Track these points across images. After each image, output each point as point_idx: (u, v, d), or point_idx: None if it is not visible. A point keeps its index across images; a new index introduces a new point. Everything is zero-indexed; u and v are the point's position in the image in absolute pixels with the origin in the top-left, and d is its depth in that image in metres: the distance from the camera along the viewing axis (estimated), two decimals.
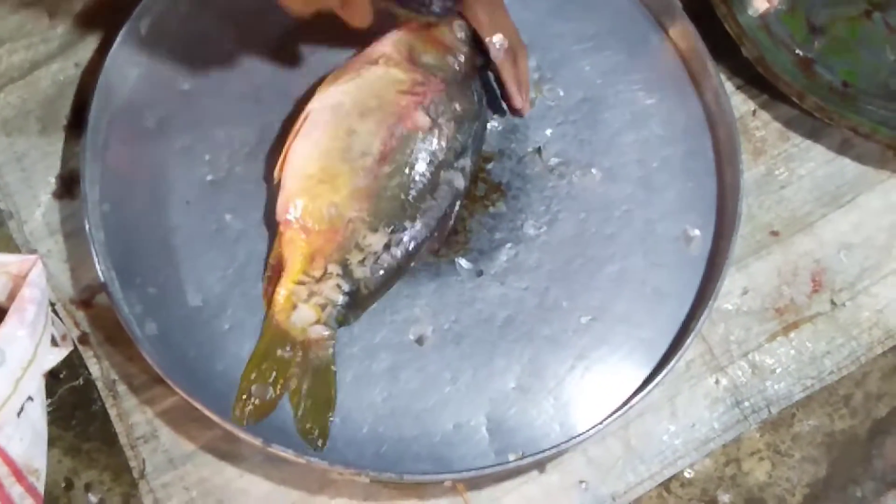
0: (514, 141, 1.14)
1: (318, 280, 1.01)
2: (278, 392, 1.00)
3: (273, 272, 1.03)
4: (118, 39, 1.10)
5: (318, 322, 1.01)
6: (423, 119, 1.05)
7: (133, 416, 1.04)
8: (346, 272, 1.02)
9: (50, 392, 1.03)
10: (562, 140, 1.14)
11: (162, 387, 1.02)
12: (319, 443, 1.00)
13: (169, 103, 1.12)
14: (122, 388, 1.04)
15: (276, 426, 1.01)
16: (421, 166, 1.05)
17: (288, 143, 1.04)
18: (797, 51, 1.19)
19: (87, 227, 1.04)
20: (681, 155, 1.15)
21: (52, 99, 1.14)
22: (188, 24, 1.14)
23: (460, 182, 1.07)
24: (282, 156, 1.04)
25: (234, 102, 1.12)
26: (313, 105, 1.05)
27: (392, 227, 1.03)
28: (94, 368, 1.05)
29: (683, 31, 1.17)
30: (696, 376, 1.09)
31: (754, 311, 1.11)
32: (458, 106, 1.07)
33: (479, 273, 1.08)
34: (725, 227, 1.10)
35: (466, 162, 1.07)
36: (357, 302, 1.03)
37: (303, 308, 1.01)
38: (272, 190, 1.07)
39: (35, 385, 0.97)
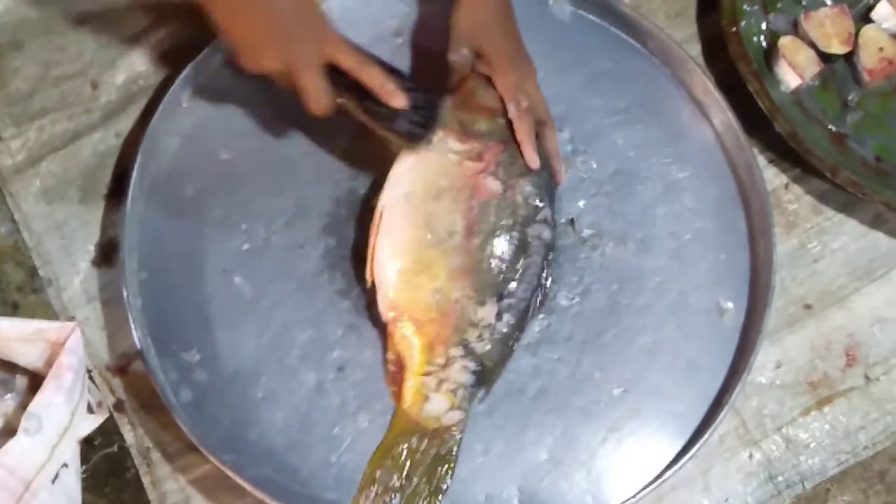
0: None
1: (444, 367, 1.02)
2: (403, 481, 1.00)
3: (395, 371, 1.04)
4: (159, 110, 1.13)
5: (451, 408, 1.02)
6: (494, 184, 1.06)
7: (166, 484, 1.04)
8: (468, 351, 1.03)
9: (84, 459, 1.04)
10: (595, 212, 1.15)
11: (195, 454, 1.03)
12: None
13: (207, 173, 1.13)
14: (155, 455, 1.05)
15: (308, 496, 1.01)
16: (507, 229, 1.06)
17: (371, 243, 1.04)
18: (830, 126, 1.20)
19: (124, 294, 1.05)
20: (713, 228, 1.15)
21: (93, 168, 1.16)
22: (228, 95, 1.16)
23: (547, 234, 1.07)
24: (369, 258, 1.04)
25: (271, 172, 1.14)
26: (384, 201, 1.05)
27: (498, 294, 1.04)
28: (129, 436, 1.05)
29: (716, 106, 1.18)
30: (730, 450, 1.08)
31: (788, 385, 1.11)
32: (521, 161, 1.08)
33: None
34: (759, 301, 1.10)
35: (547, 212, 1.08)
36: (485, 377, 1.04)
37: (435, 398, 1.02)
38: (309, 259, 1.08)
39: (70, 452, 0.98)
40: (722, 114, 1.18)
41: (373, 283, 1.04)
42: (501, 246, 1.05)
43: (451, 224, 1.04)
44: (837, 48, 1.21)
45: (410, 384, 1.02)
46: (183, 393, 1.04)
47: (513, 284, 1.05)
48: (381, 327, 1.06)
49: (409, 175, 1.06)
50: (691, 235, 1.15)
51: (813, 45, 1.21)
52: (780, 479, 1.07)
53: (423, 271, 1.03)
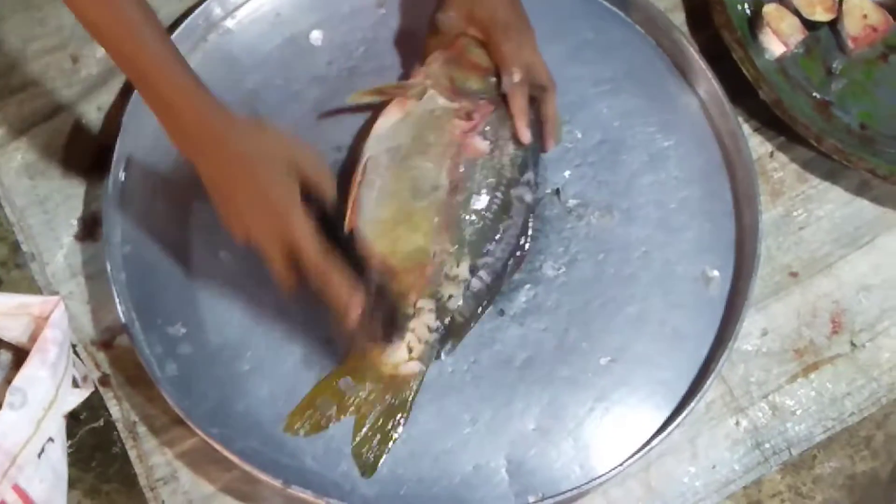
0: None
1: (411, 317, 1.02)
2: (339, 412, 1.01)
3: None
4: None
5: (411, 359, 1.02)
6: (481, 143, 1.07)
7: (153, 458, 1.04)
8: (439, 305, 1.03)
9: (70, 433, 1.03)
10: (580, 182, 1.15)
11: (182, 428, 1.02)
12: (368, 471, 1.01)
13: None
14: (142, 429, 1.04)
15: (296, 468, 1.01)
16: (491, 189, 1.06)
17: (352, 193, 1.04)
18: (814, 94, 1.20)
19: (108, 268, 1.05)
20: (699, 196, 1.15)
21: (75, 142, 1.15)
22: (211, 67, 1.15)
23: (529, 196, 1.08)
24: (349, 206, 1.04)
25: None
26: (369, 152, 1.06)
27: (477, 252, 1.04)
28: (115, 410, 1.05)
29: (700, 74, 1.18)
30: (717, 418, 1.08)
31: (774, 353, 1.11)
32: (511, 122, 1.08)
33: (501, 313, 1.08)
34: (744, 269, 1.10)
35: (531, 175, 1.09)
36: (453, 331, 1.04)
37: (395, 343, 1.02)
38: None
39: (56, 426, 0.98)
40: (707, 82, 1.18)
41: (351, 231, 1.04)
42: (484, 204, 1.06)
43: (435, 179, 1.05)
44: (821, 15, 1.22)
45: None
46: (168, 367, 1.04)
47: (492, 244, 1.06)
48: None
49: (395, 128, 1.06)
50: (677, 204, 1.15)
51: (797, 13, 1.21)
52: (766, 445, 1.08)
53: (404, 222, 1.04)
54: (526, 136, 1.08)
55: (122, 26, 0.93)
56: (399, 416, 1.02)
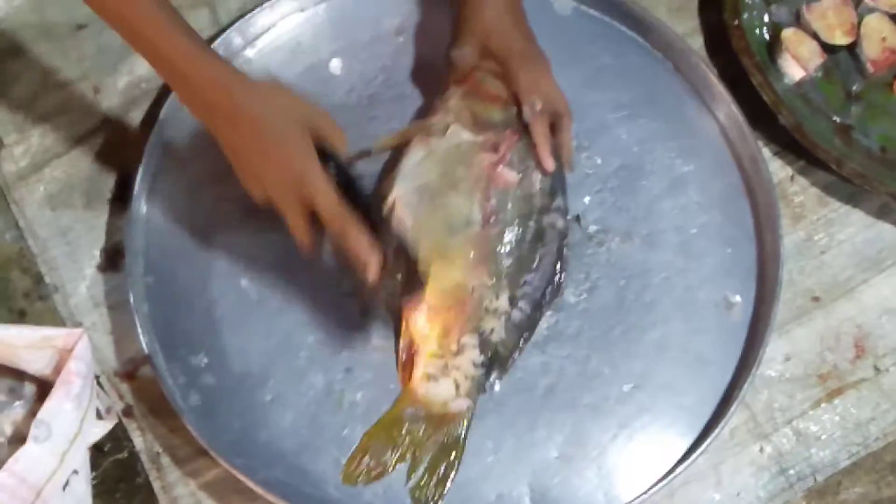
0: None
1: (455, 353, 1.02)
2: (396, 458, 1.00)
3: (407, 357, 1.03)
4: (162, 114, 1.13)
5: (458, 396, 1.02)
6: (510, 174, 1.06)
7: (177, 489, 1.04)
8: (482, 339, 1.03)
9: (94, 465, 1.03)
10: (600, 207, 1.15)
11: (205, 458, 1.03)
12: None
13: (212, 176, 1.12)
14: (165, 460, 1.05)
15: (319, 497, 1.01)
16: (524, 218, 1.06)
17: (384, 229, 1.03)
18: (834, 117, 1.19)
19: (131, 299, 1.05)
20: (719, 221, 1.15)
21: (97, 173, 1.16)
22: None
23: (561, 222, 1.08)
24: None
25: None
26: (397, 193, 1.05)
27: (515, 283, 1.04)
28: (138, 441, 1.05)
29: (720, 99, 1.18)
30: (741, 444, 1.08)
31: (797, 378, 1.11)
32: (534, 151, 1.08)
33: None
34: (766, 293, 1.10)
35: (561, 202, 1.09)
36: (498, 364, 1.04)
37: (443, 382, 1.02)
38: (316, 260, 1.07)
39: (80, 458, 0.98)
40: (726, 107, 1.17)
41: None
42: (518, 235, 1.05)
43: (468, 213, 1.04)
44: (841, 39, 1.21)
45: (420, 364, 1.02)
46: (192, 397, 1.04)
47: (529, 274, 1.05)
48: (393, 317, 1.05)
49: (422, 166, 1.06)
50: (697, 229, 1.14)
51: (815, 37, 1.21)
52: (791, 472, 1.07)
53: (441, 259, 1.03)
54: (550, 164, 1.08)
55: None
56: (453, 454, 1.02)
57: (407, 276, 1.01)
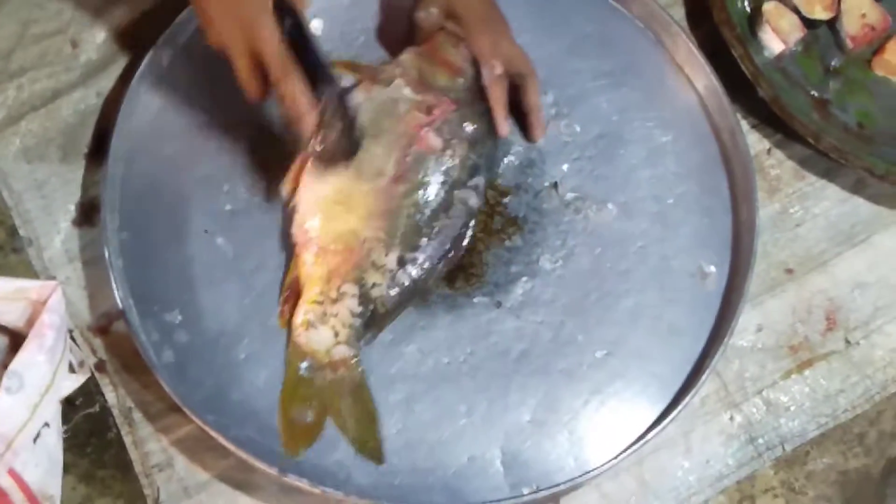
0: (530, 175, 1.15)
1: (335, 301, 1.02)
2: (318, 414, 1.00)
3: (290, 294, 1.04)
4: (140, 69, 1.12)
5: (338, 343, 1.02)
6: (435, 140, 1.06)
7: (148, 444, 1.04)
8: (363, 292, 1.03)
9: (66, 419, 1.03)
10: (578, 175, 1.15)
11: (178, 415, 1.02)
12: (377, 457, 1.01)
13: (189, 133, 1.12)
14: (137, 415, 1.04)
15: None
16: (435, 186, 1.06)
17: (298, 163, 1.05)
18: (812, 92, 1.20)
19: (106, 254, 1.05)
20: (696, 192, 1.16)
21: (74, 127, 1.15)
22: (210, 55, 1.14)
23: (475, 201, 1.08)
24: (292, 175, 1.05)
25: (254, 133, 1.13)
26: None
27: (408, 245, 1.04)
28: (111, 396, 1.05)
29: (699, 70, 1.18)
30: (711, 412, 1.09)
31: (769, 349, 1.12)
32: (469, 126, 1.08)
33: (497, 305, 1.08)
34: (741, 265, 1.11)
35: (480, 181, 1.09)
36: (374, 321, 1.04)
37: (321, 329, 1.02)
38: (288, 215, 1.07)
39: (52, 411, 0.97)
40: (705, 78, 1.18)
41: (291, 202, 1.05)
42: (425, 200, 1.05)
43: (382, 165, 1.05)
44: (821, 14, 1.22)
45: (300, 313, 1.03)
46: (165, 353, 1.04)
47: (424, 240, 1.05)
48: (289, 250, 1.06)
49: (359, 106, 1.06)
50: (674, 199, 1.15)
51: (796, 10, 1.22)
52: (760, 441, 1.08)
53: (342, 202, 1.04)
54: (504, 129, 1.09)
55: None
56: (364, 395, 1.02)
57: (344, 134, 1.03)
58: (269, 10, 0.96)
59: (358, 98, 1.07)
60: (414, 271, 1.05)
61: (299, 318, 1.03)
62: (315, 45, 1.01)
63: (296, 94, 0.98)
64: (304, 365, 1.02)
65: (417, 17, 1.11)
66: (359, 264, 1.03)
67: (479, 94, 1.10)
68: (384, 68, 1.11)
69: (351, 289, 1.03)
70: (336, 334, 1.02)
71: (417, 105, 1.07)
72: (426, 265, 1.05)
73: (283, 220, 1.09)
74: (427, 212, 1.05)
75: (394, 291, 1.04)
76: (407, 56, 1.10)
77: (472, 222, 1.08)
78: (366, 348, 1.04)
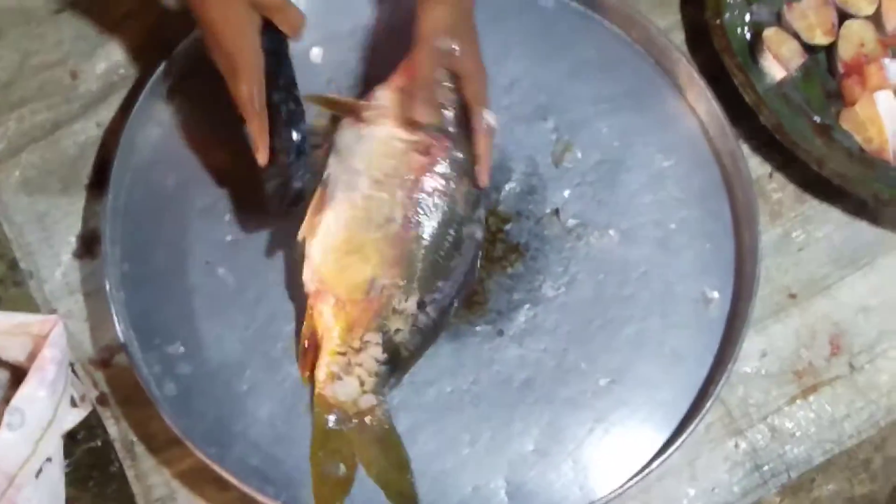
0: (531, 202, 1.15)
1: (358, 351, 1.02)
2: (349, 466, 1.00)
3: (308, 346, 1.03)
4: (140, 100, 1.12)
5: (364, 392, 1.01)
6: (438, 181, 1.05)
7: (151, 478, 1.03)
8: (386, 339, 1.02)
9: (68, 453, 1.02)
10: (580, 201, 1.15)
11: (180, 448, 1.02)
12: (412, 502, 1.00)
13: (190, 163, 1.12)
14: (139, 448, 1.04)
15: (295, 488, 1.01)
16: (444, 226, 1.05)
17: (312, 208, 1.04)
18: (814, 117, 1.19)
19: (107, 286, 1.04)
20: (698, 217, 1.15)
21: (74, 159, 1.15)
22: (210, 84, 1.14)
23: (479, 233, 1.08)
24: (305, 223, 1.03)
25: (254, 162, 1.12)
26: (331, 168, 1.05)
27: (426, 288, 1.04)
28: (113, 429, 1.05)
29: (700, 95, 1.18)
30: (716, 440, 1.08)
31: (773, 374, 1.11)
32: (463, 157, 1.07)
33: (500, 333, 1.08)
34: (744, 290, 1.10)
35: (482, 212, 1.08)
36: (399, 365, 1.03)
37: (347, 380, 1.01)
38: (292, 252, 1.07)
39: (54, 446, 0.97)
40: (706, 103, 1.18)
41: (302, 249, 1.04)
42: (437, 241, 1.05)
43: (390, 211, 1.04)
44: (821, 39, 1.22)
45: (324, 362, 1.02)
46: (167, 386, 1.04)
47: (441, 281, 1.05)
48: (300, 301, 1.06)
49: (353, 149, 1.06)
50: (676, 225, 1.15)
51: (796, 36, 1.21)
52: (765, 468, 1.08)
53: (356, 252, 1.03)
54: (486, 180, 1.08)
55: None
56: (393, 443, 1.02)
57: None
58: (249, 43, 1.00)
59: (348, 137, 1.06)
60: (434, 312, 1.04)
61: (323, 371, 1.02)
62: (292, 85, 1.04)
63: (256, 129, 1.01)
64: (331, 418, 1.01)
65: (436, 47, 1.06)
66: (379, 312, 1.02)
67: (463, 119, 1.08)
68: (368, 105, 1.08)
69: (374, 337, 1.02)
70: (362, 384, 1.02)
71: (414, 146, 1.06)
72: (444, 303, 1.05)
73: (285, 263, 1.09)
74: (441, 253, 1.05)
75: (416, 334, 1.03)
76: (387, 94, 1.08)
77: (480, 253, 1.08)
78: None
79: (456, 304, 1.06)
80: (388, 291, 1.02)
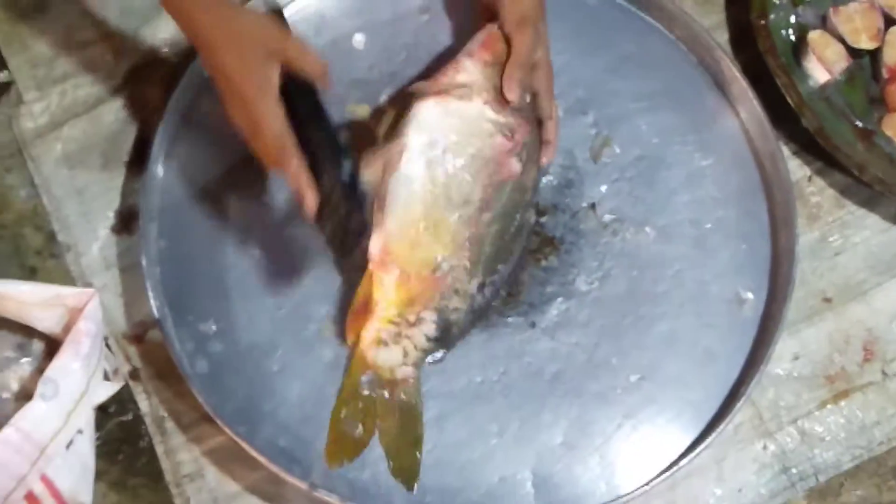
0: (568, 196, 1.14)
1: (412, 325, 1.01)
2: (367, 430, 0.99)
3: (360, 309, 1.01)
4: (184, 79, 1.12)
5: (405, 364, 1.01)
6: (516, 166, 1.05)
7: (180, 454, 1.04)
8: (442, 317, 1.02)
9: (99, 426, 1.03)
10: (616, 197, 1.14)
11: (210, 425, 1.02)
12: (410, 483, 1.00)
13: (230, 144, 1.11)
14: (169, 424, 1.05)
15: (322, 470, 1.00)
16: (515, 211, 1.05)
17: (385, 175, 1.02)
18: (857, 122, 1.19)
19: (143, 262, 1.05)
20: (735, 217, 1.15)
21: (115, 134, 1.15)
22: None
23: (533, 218, 1.08)
24: (380, 191, 1.02)
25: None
26: (410, 138, 1.02)
27: (489, 271, 1.04)
28: (144, 404, 1.05)
29: (742, 95, 1.17)
30: (745, 440, 1.08)
31: (805, 378, 1.11)
32: (536, 146, 1.08)
33: (532, 325, 1.08)
34: (779, 292, 1.10)
35: (535, 197, 1.09)
36: (446, 343, 1.03)
37: (393, 349, 1.01)
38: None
39: (85, 418, 0.98)
40: (748, 103, 1.17)
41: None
42: (506, 226, 1.05)
43: (469, 192, 1.03)
44: (866, 43, 1.21)
45: (373, 327, 1.01)
46: (199, 363, 1.04)
47: (503, 265, 1.05)
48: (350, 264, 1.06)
49: (440, 122, 1.04)
50: (713, 224, 1.14)
51: (841, 40, 1.21)
52: (793, 471, 1.07)
53: (430, 229, 1.02)
54: (546, 161, 1.10)
55: None
56: (415, 419, 1.01)
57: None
58: (270, 95, 0.96)
59: (433, 110, 1.04)
60: (489, 293, 1.04)
61: (371, 334, 1.01)
62: (328, 125, 1.03)
63: (297, 179, 0.97)
64: (364, 379, 1.00)
65: (515, 37, 1.06)
66: (442, 292, 1.02)
67: (532, 110, 1.09)
68: (455, 79, 1.06)
69: (430, 315, 1.02)
70: (406, 355, 1.01)
71: (501, 128, 1.05)
72: (498, 286, 1.05)
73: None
74: (506, 237, 1.05)
75: (469, 314, 1.04)
76: (477, 67, 1.06)
77: (528, 240, 1.08)
78: None
79: (508, 286, 1.06)
80: (454, 273, 1.02)
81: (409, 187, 1.02)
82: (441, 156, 1.03)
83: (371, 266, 1.01)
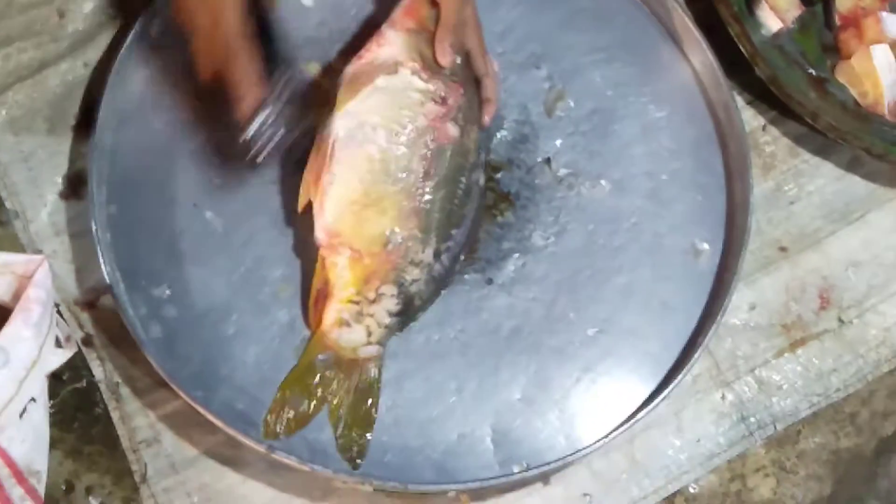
0: (523, 151, 1.14)
1: (372, 302, 1.01)
2: (314, 407, 0.99)
3: (319, 296, 1.02)
4: (129, 40, 1.10)
5: (369, 343, 1.01)
6: (454, 130, 1.05)
7: (136, 420, 1.03)
8: (402, 290, 1.02)
9: (52, 394, 1.02)
10: (571, 151, 1.14)
11: (165, 390, 1.01)
12: (358, 461, 1.00)
13: (178, 105, 1.11)
14: (125, 391, 1.04)
15: None
16: (459, 175, 1.05)
17: (318, 166, 1.02)
18: (810, 70, 1.19)
19: (93, 228, 1.03)
20: (690, 168, 1.15)
21: (61, 98, 1.13)
22: None
23: (482, 179, 1.07)
24: (308, 181, 1.03)
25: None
26: (338, 129, 1.02)
27: (442, 237, 1.03)
28: (98, 371, 1.04)
29: (695, 46, 1.17)
30: (703, 391, 1.08)
31: (761, 327, 1.11)
32: (473, 106, 1.07)
33: (489, 282, 1.08)
34: (734, 242, 1.10)
35: (483, 157, 1.08)
36: (409, 314, 1.03)
37: (355, 328, 1.01)
38: (283, 194, 1.07)
39: (38, 386, 0.96)
40: (701, 53, 1.17)
41: (308, 206, 1.03)
42: (452, 191, 1.04)
43: (408, 163, 1.03)
44: None
45: (333, 308, 1.01)
46: (153, 328, 1.03)
47: (455, 229, 1.05)
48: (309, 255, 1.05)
49: (365, 102, 1.03)
50: (668, 176, 1.14)
51: None
52: (752, 420, 1.08)
53: (373, 205, 1.02)
54: (488, 122, 1.09)
55: None
56: (369, 400, 1.01)
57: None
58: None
59: (359, 95, 1.03)
60: (447, 260, 1.04)
61: (332, 315, 1.01)
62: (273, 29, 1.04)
63: (245, 74, 0.96)
64: (321, 357, 1.01)
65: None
66: (397, 265, 1.02)
67: (467, 69, 1.08)
68: (381, 51, 1.06)
69: (389, 289, 1.02)
70: (369, 334, 1.01)
71: (431, 95, 1.04)
72: (456, 251, 1.05)
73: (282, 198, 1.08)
74: (455, 201, 1.04)
75: (430, 283, 1.03)
76: (402, 35, 1.06)
77: (482, 200, 1.08)
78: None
79: (465, 251, 1.06)
80: (406, 244, 1.02)
81: (345, 169, 1.02)
82: (372, 133, 1.02)
83: (322, 252, 1.01)
